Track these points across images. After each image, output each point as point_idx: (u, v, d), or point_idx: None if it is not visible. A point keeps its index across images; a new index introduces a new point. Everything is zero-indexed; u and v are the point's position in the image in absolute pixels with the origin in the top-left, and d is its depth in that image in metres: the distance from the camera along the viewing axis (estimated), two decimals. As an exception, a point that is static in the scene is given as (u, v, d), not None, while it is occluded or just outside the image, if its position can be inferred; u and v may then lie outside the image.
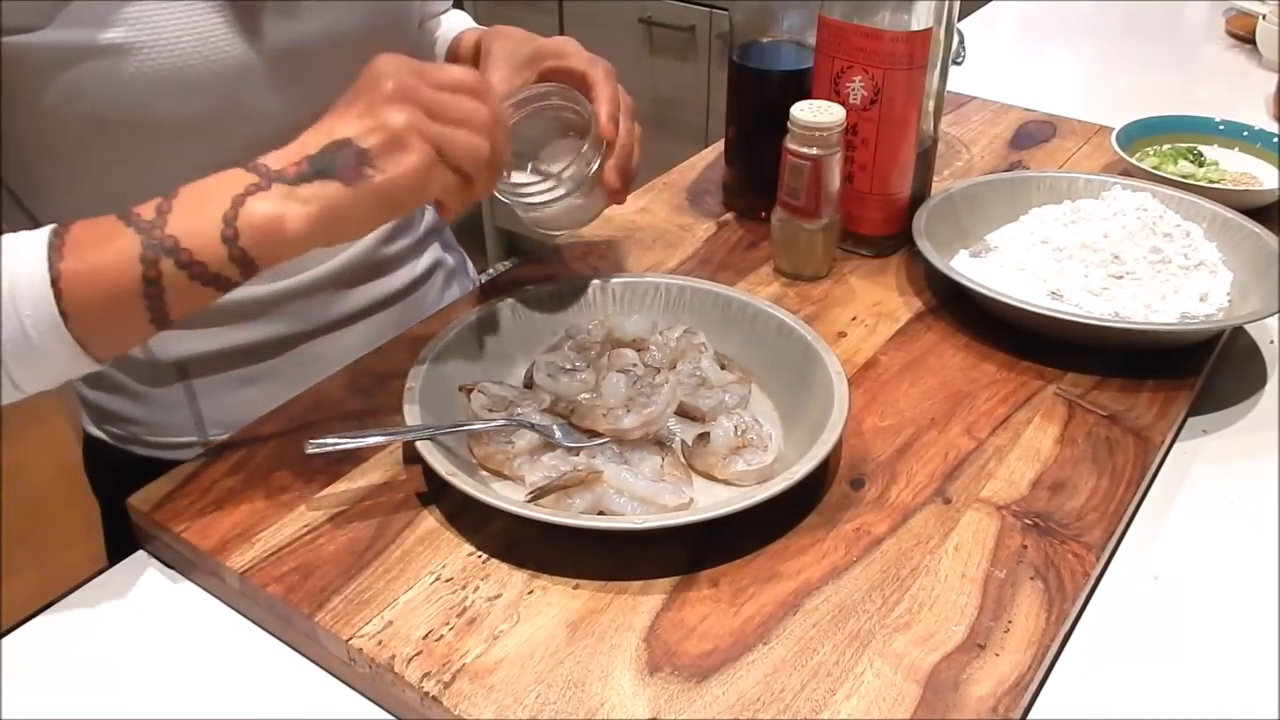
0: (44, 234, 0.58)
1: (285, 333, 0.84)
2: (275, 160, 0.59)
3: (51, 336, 0.56)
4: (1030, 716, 0.55)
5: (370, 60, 0.64)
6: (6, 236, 0.58)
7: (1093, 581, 0.61)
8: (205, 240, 0.57)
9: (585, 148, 0.74)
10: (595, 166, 0.74)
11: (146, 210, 0.58)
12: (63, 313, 0.56)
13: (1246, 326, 0.85)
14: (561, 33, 2.37)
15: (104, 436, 0.89)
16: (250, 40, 0.71)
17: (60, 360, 0.58)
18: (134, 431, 0.87)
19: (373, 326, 0.88)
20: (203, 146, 0.72)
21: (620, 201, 0.79)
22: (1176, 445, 0.73)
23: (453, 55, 0.93)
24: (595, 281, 0.79)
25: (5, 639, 0.59)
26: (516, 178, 0.76)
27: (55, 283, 0.56)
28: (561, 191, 0.74)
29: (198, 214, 0.57)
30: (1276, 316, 0.78)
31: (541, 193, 0.74)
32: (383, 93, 0.59)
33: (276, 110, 0.74)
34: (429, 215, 0.96)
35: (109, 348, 0.59)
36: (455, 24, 0.97)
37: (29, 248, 0.57)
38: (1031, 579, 0.59)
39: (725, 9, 1.70)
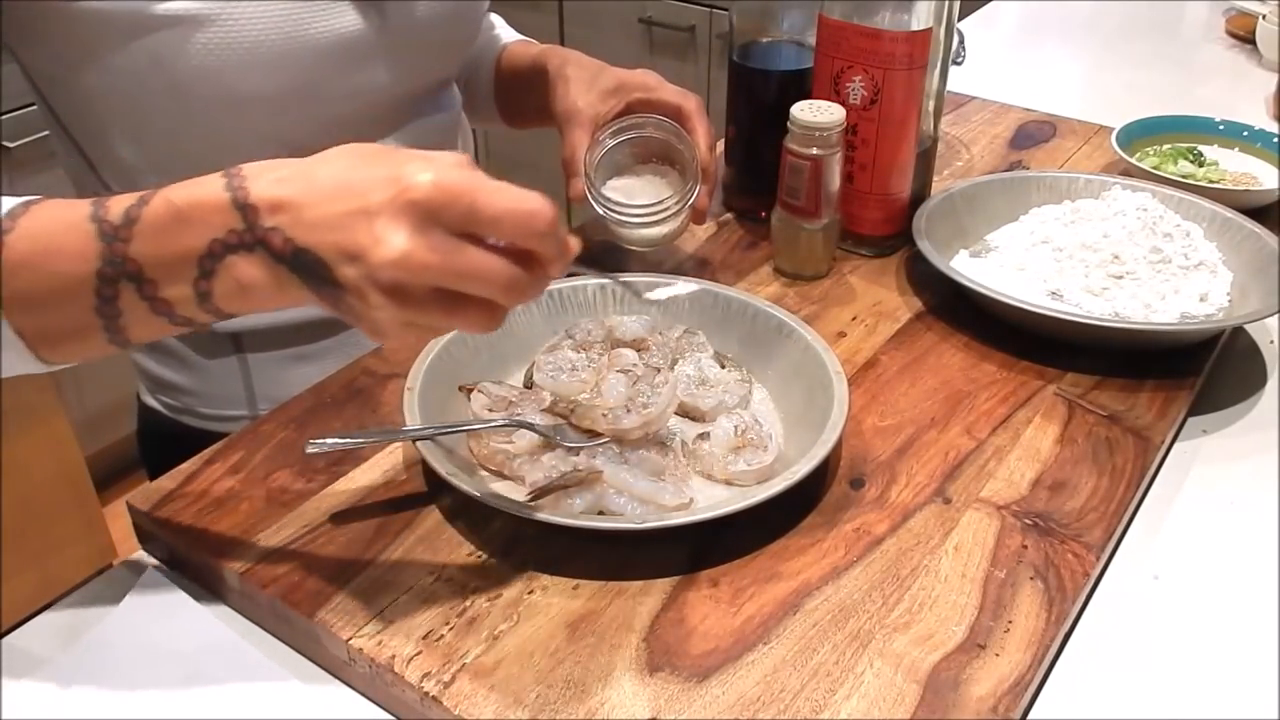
0: (8, 204, 0.52)
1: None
2: (264, 208, 0.49)
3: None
4: (1030, 716, 0.55)
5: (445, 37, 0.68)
6: None
7: (1093, 581, 0.61)
8: (175, 278, 0.51)
9: (689, 178, 0.82)
10: (697, 194, 0.82)
11: (115, 209, 0.51)
12: (4, 315, 0.51)
13: (1246, 326, 0.85)
14: (561, 32, 2.39)
15: (159, 406, 0.93)
16: (335, 24, 0.74)
17: (8, 364, 0.53)
18: (187, 402, 0.90)
19: None
20: (279, 121, 0.75)
21: (701, 223, 0.87)
22: (1176, 445, 0.73)
23: (510, 70, 0.99)
24: (595, 281, 0.79)
25: (5, 639, 0.59)
26: (621, 199, 0.83)
27: None
28: (664, 216, 0.82)
29: (169, 244, 0.50)
30: (1276, 316, 0.78)
31: (645, 216, 0.82)
32: (384, 259, 0.47)
33: (356, 92, 0.78)
34: None
35: (58, 354, 0.54)
36: (500, 30, 1.03)
37: None
38: (1031, 579, 0.59)
39: (725, 9, 1.70)
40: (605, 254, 0.91)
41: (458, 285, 0.49)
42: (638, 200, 0.83)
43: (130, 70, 0.71)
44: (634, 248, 0.89)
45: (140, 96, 0.73)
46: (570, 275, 0.63)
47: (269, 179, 0.50)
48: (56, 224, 0.52)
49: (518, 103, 0.99)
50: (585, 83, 0.85)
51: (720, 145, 0.98)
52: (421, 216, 0.47)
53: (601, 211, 0.83)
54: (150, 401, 0.94)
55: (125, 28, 0.69)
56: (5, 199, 0.53)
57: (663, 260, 0.90)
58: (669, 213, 0.82)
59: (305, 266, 0.49)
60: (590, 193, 0.81)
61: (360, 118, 0.80)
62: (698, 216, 0.85)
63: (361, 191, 0.48)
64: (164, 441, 0.93)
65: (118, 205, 0.51)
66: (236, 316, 0.53)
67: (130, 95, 0.73)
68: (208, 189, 0.50)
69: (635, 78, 0.85)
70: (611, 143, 0.83)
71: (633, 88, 0.85)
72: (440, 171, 0.48)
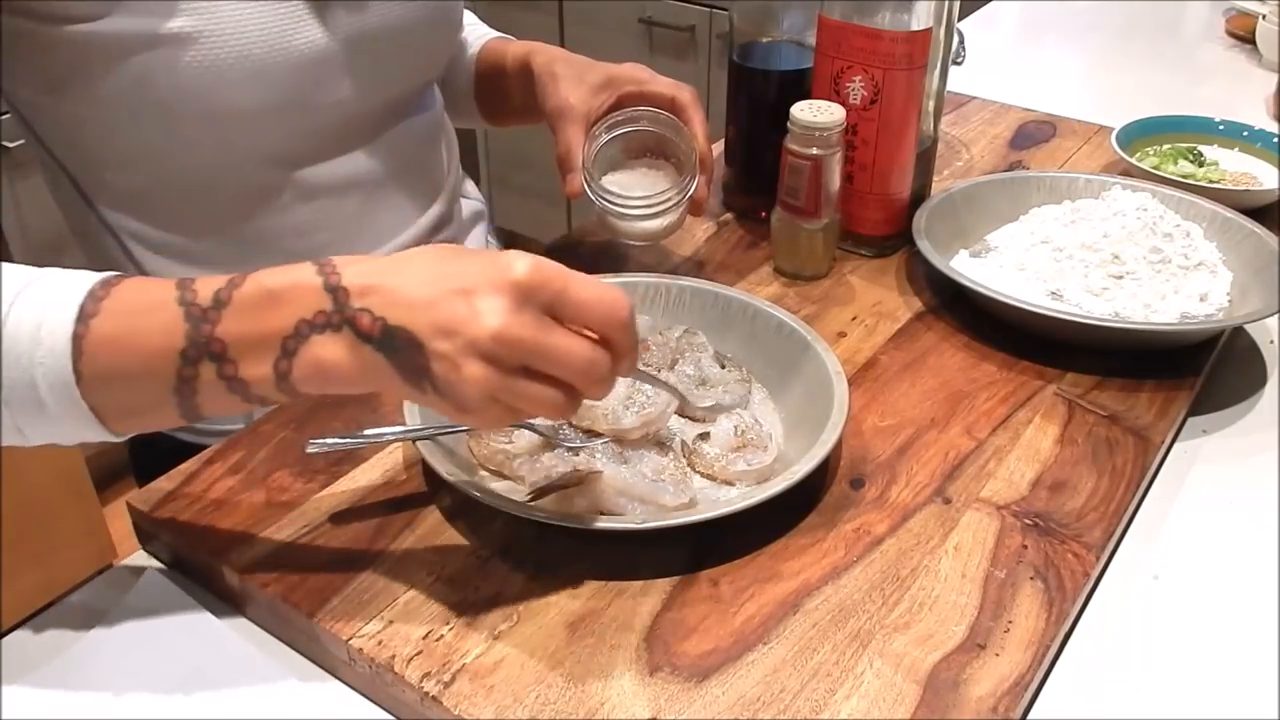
0: (88, 281, 0.53)
1: None
2: (355, 292, 0.51)
3: (63, 395, 0.52)
4: (1030, 716, 0.55)
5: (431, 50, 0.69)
6: (51, 272, 0.53)
7: (1093, 581, 0.61)
8: (256, 358, 0.52)
9: (686, 171, 0.81)
10: (695, 185, 0.81)
11: (204, 292, 0.52)
12: (77, 373, 0.51)
13: (1246, 326, 0.85)
14: (561, 32, 2.39)
15: None
16: (316, 33, 0.74)
17: (70, 422, 0.53)
18: None
19: None
20: (265, 134, 0.75)
21: (699, 214, 0.85)
22: (1176, 445, 0.73)
23: (490, 67, 0.98)
24: (595, 281, 0.79)
25: (5, 639, 0.59)
26: (619, 190, 0.82)
27: (78, 340, 0.51)
28: (666, 208, 0.81)
29: (257, 323, 0.51)
30: (1276, 316, 0.78)
31: (646, 208, 0.81)
32: (482, 331, 0.49)
33: (340, 100, 0.78)
34: (471, 205, 0.98)
35: (128, 426, 0.55)
36: (475, 28, 1.01)
37: (67, 289, 0.52)
38: (1031, 579, 0.59)
39: (725, 9, 1.70)
40: (602, 253, 0.91)
41: (545, 364, 0.51)
42: (636, 193, 0.82)
43: (118, 93, 0.70)
44: (633, 243, 0.88)
45: (129, 120, 0.72)
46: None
47: (361, 268, 0.52)
48: (141, 305, 0.52)
49: (500, 101, 0.98)
50: (575, 79, 0.84)
51: (720, 145, 0.98)
52: (519, 296, 0.50)
53: (601, 205, 0.82)
54: None
55: (113, 49, 0.69)
56: (82, 275, 0.53)
57: (662, 260, 0.90)
58: (669, 204, 0.81)
59: (394, 345, 0.51)
60: (589, 186, 0.81)
61: (345, 125, 0.80)
62: (696, 209, 0.84)
63: (458, 274, 0.51)
64: (156, 456, 0.91)
65: (206, 288, 0.52)
66: (311, 395, 0.54)
67: (118, 119, 0.72)
68: (300, 273, 0.52)
69: (625, 71, 0.85)
70: (607, 137, 0.82)
71: (624, 81, 0.84)
72: (536, 258, 0.51)
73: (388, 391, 0.54)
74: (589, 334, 0.52)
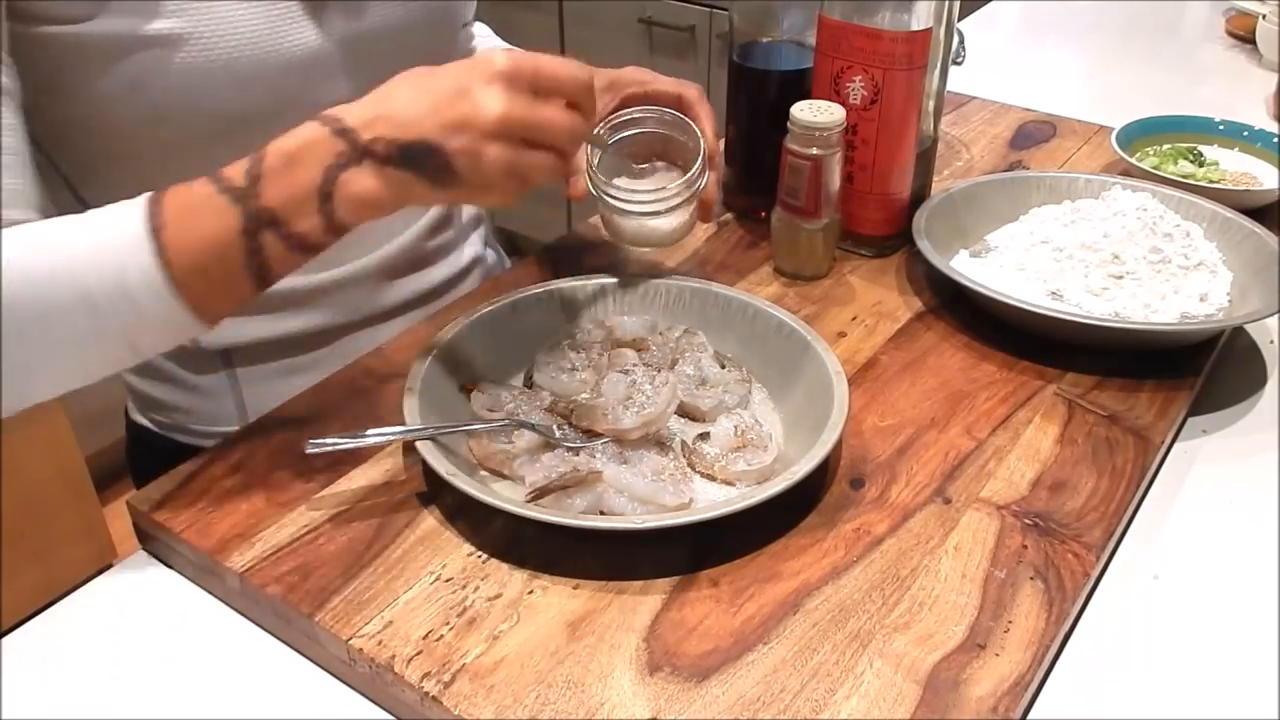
0: (140, 207, 0.59)
1: (329, 324, 0.85)
2: (360, 125, 0.59)
3: (164, 307, 0.59)
4: (1030, 716, 0.55)
5: (430, 50, 0.68)
6: (95, 213, 0.60)
7: (1093, 581, 0.61)
8: (304, 212, 0.59)
9: (697, 164, 0.78)
10: (705, 182, 0.79)
11: (236, 175, 0.59)
12: (177, 291, 0.58)
13: (1246, 326, 0.85)
14: (561, 32, 2.39)
15: (148, 424, 0.92)
16: (309, 35, 0.74)
17: (176, 325, 0.61)
18: (178, 419, 0.89)
19: (414, 320, 0.90)
20: (259, 139, 0.74)
21: (707, 219, 0.86)
22: (1176, 445, 0.73)
23: None
24: (595, 281, 0.79)
25: (5, 639, 0.59)
26: (627, 186, 0.79)
27: (162, 259, 0.58)
28: (675, 204, 0.79)
29: (292, 184, 0.59)
30: (1276, 316, 0.78)
31: (655, 202, 0.79)
32: (491, 118, 0.58)
33: (335, 102, 0.76)
34: (470, 209, 0.98)
35: (219, 311, 0.62)
36: (487, 39, 1.01)
37: (125, 219, 0.59)
38: (1031, 579, 0.59)
39: (725, 9, 1.70)
40: (602, 253, 0.91)
41: (541, 134, 0.60)
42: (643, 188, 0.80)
43: (109, 95, 0.70)
44: (642, 248, 0.86)
45: (121, 122, 0.72)
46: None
47: (358, 108, 0.60)
48: (190, 206, 0.59)
49: None
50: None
51: (720, 145, 0.98)
52: (507, 83, 0.59)
53: (607, 204, 0.79)
54: (139, 419, 0.92)
55: (103, 52, 0.68)
56: (126, 206, 0.60)
57: (662, 260, 0.90)
58: (678, 199, 0.78)
59: (413, 158, 0.59)
60: (594, 184, 0.79)
61: None
62: (704, 212, 0.82)
63: (446, 81, 0.59)
64: (154, 458, 0.90)
65: (236, 172, 0.60)
66: (359, 225, 0.61)
67: (110, 121, 0.72)
68: (308, 131, 0.60)
69: (627, 73, 0.84)
70: (612, 137, 0.80)
71: (626, 82, 0.83)
72: (508, 50, 0.61)
73: (421, 199, 0.61)
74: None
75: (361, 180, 0.59)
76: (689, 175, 0.78)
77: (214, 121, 0.73)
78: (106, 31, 0.67)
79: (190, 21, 0.69)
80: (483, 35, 1.01)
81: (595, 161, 0.79)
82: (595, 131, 0.80)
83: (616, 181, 0.80)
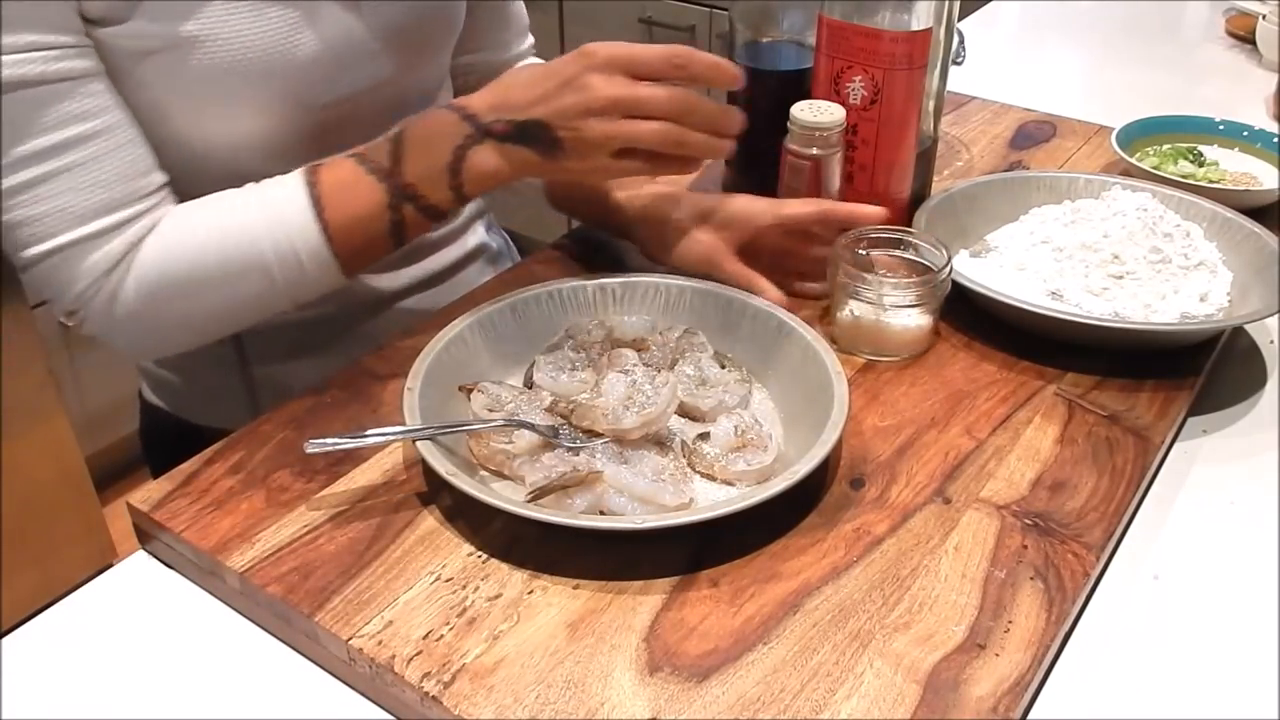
0: (300, 185, 0.71)
1: (336, 311, 0.87)
2: (483, 111, 0.71)
3: (325, 270, 0.73)
4: (1030, 716, 0.55)
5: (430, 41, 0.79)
6: (257, 188, 0.72)
7: (1093, 581, 0.61)
8: (437, 186, 0.71)
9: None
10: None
11: (379, 155, 0.72)
12: (336, 256, 0.72)
13: (1246, 326, 0.85)
14: (561, 32, 2.39)
15: (161, 404, 0.94)
16: (315, 36, 0.75)
17: (329, 282, 0.74)
18: (189, 403, 0.92)
19: (419, 306, 0.91)
20: (269, 138, 0.77)
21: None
22: (1176, 445, 0.73)
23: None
24: (595, 281, 0.79)
25: (5, 639, 0.59)
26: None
27: (326, 230, 0.71)
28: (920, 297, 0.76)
29: (427, 162, 0.71)
30: (1276, 316, 0.78)
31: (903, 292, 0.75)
32: (595, 100, 0.68)
33: (340, 96, 0.80)
34: (474, 204, 1.00)
35: (362, 269, 0.77)
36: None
37: (293, 199, 0.71)
38: (1031, 579, 0.59)
39: (725, 9, 1.70)
40: (602, 253, 0.91)
41: (641, 108, 0.69)
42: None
43: (130, 96, 0.72)
44: (885, 356, 0.78)
45: (139, 122, 0.73)
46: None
47: (481, 97, 0.71)
48: (342, 181, 0.72)
49: (571, 202, 0.95)
50: (691, 220, 0.82)
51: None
52: (605, 69, 0.68)
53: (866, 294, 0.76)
54: (152, 399, 0.95)
55: (124, 55, 0.70)
56: (284, 181, 0.72)
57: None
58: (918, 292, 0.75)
59: (527, 134, 0.70)
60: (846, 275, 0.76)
61: (348, 123, 0.80)
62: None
63: (554, 72, 0.70)
64: (167, 438, 0.93)
65: (378, 153, 0.72)
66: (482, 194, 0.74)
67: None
68: (440, 116, 0.72)
69: (737, 205, 0.81)
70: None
71: (741, 220, 0.81)
72: (603, 43, 0.69)
73: (536, 171, 0.72)
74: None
75: (484, 156, 0.70)
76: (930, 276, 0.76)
77: (224, 121, 0.75)
78: (137, 33, 0.69)
79: (204, 24, 0.71)
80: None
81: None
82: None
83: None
